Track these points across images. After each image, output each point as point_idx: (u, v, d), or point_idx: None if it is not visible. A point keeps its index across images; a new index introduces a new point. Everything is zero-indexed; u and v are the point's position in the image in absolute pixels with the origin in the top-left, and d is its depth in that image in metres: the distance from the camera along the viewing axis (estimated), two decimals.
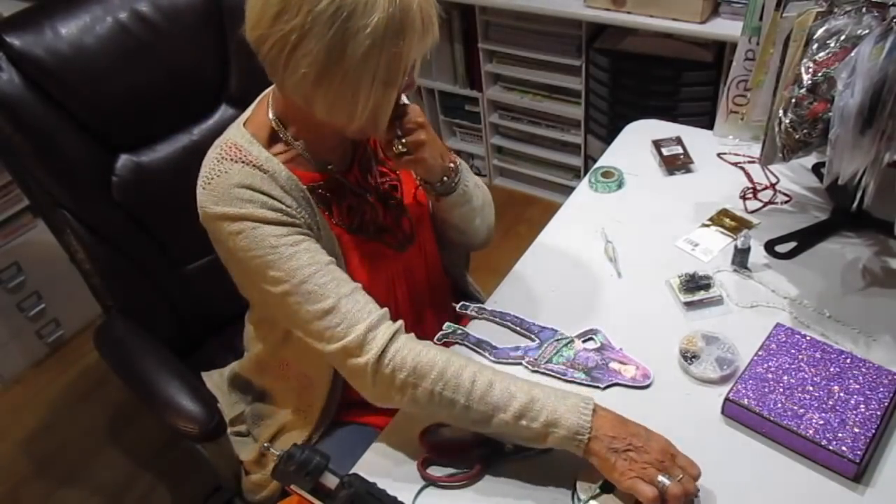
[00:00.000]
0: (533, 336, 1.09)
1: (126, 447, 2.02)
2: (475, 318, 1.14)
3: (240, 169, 0.91)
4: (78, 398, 2.18)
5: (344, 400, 1.16)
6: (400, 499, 0.85)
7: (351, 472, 0.88)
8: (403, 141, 0.96)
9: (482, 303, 1.18)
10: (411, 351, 0.88)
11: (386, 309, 0.92)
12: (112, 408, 2.13)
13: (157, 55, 1.23)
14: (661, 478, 0.81)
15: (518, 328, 1.11)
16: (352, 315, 0.89)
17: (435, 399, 0.87)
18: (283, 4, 0.80)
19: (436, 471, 0.92)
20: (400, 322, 0.91)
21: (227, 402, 1.22)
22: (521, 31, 2.36)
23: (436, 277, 1.17)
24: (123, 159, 1.24)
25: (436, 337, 1.10)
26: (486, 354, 1.07)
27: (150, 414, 1.14)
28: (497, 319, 1.13)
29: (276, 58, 0.84)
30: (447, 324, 1.12)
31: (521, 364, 1.05)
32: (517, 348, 1.07)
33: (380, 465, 0.95)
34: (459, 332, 1.11)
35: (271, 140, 0.97)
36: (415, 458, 0.94)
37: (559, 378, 1.02)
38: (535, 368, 1.04)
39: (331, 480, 0.81)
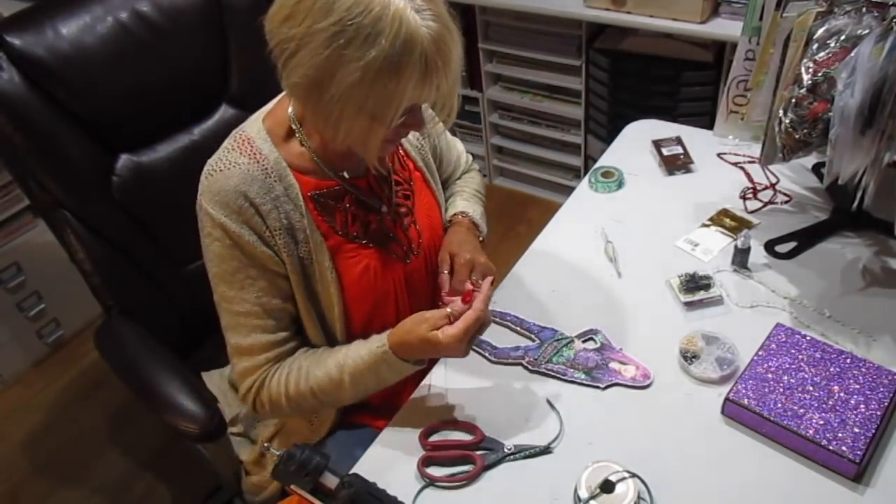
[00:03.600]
0: (533, 336, 1.09)
1: (126, 447, 2.02)
2: None
3: (245, 165, 0.94)
4: (78, 398, 2.18)
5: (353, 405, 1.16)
6: (400, 499, 0.85)
7: (351, 472, 0.88)
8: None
9: None
10: (266, 392, 1.00)
11: (265, 368, 1.01)
12: (112, 408, 2.13)
13: (158, 55, 1.23)
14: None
15: (518, 328, 1.11)
16: (251, 367, 1.00)
17: (301, 411, 1.05)
18: (291, 10, 0.81)
19: (436, 471, 0.92)
20: (263, 373, 1.00)
21: (228, 402, 1.22)
22: (521, 31, 2.36)
23: (431, 292, 1.16)
24: (124, 159, 1.24)
25: None
26: (487, 355, 1.07)
27: (151, 414, 1.14)
28: (497, 319, 1.13)
29: (277, 57, 0.86)
30: None
31: (521, 364, 1.05)
32: (517, 348, 1.07)
33: (380, 465, 0.95)
34: None
35: (287, 137, 0.99)
36: (415, 458, 0.94)
37: (559, 378, 1.02)
38: (536, 368, 1.04)
39: (331, 480, 0.81)
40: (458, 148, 1.29)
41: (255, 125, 0.98)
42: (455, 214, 1.18)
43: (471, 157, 1.33)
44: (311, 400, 0.99)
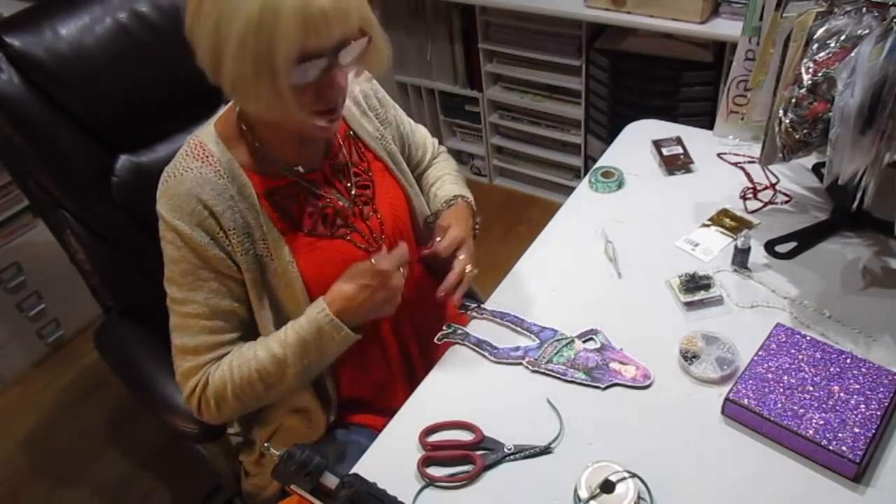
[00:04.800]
0: (533, 336, 1.09)
1: (126, 447, 2.02)
2: (475, 317, 1.14)
3: (198, 169, 0.96)
4: (78, 398, 2.19)
5: (344, 400, 1.16)
6: (400, 499, 0.85)
7: (351, 472, 0.88)
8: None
9: (482, 302, 1.18)
10: (211, 386, 0.99)
11: (208, 366, 1.00)
12: (112, 408, 2.13)
13: (157, 55, 1.23)
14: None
15: (518, 328, 1.11)
16: (194, 367, 1.00)
17: (246, 403, 1.00)
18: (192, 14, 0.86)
19: (436, 471, 0.92)
20: (206, 371, 1.00)
21: None
22: (521, 31, 2.36)
23: (413, 277, 1.17)
24: (123, 160, 1.24)
25: (436, 337, 1.10)
26: (487, 355, 1.07)
27: (150, 414, 1.14)
28: (497, 319, 1.13)
29: (190, 38, 0.88)
30: (447, 324, 1.12)
31: (521, 364, 1.05)
32: (518, 348, 1.07)
33: (380, 465, 0.95)
34: (460, 332, 1.11)
35: (238, 138, 1.00)
36: (415, 458, 0.94)
37: (560, 378, 1.02)
38: (536, 368, 1.04)
39: (331, 480, 0.81)
40: (421, 132, 1.31)
41: (206, 130, 1.00)
42: (455, 197, 1.21)
43: (437, 141, 1.35)
44: (258, 385, 0.98)
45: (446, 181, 1.27)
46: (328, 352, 0.99)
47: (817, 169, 1.33)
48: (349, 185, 1.08)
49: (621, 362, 1.03)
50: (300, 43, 0.82)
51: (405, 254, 1.00)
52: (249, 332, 1.04)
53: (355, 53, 0.88)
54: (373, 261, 0.97)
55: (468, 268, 1.09)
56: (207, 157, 0.97)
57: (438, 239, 1.09)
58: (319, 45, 0.84)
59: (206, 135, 0.99)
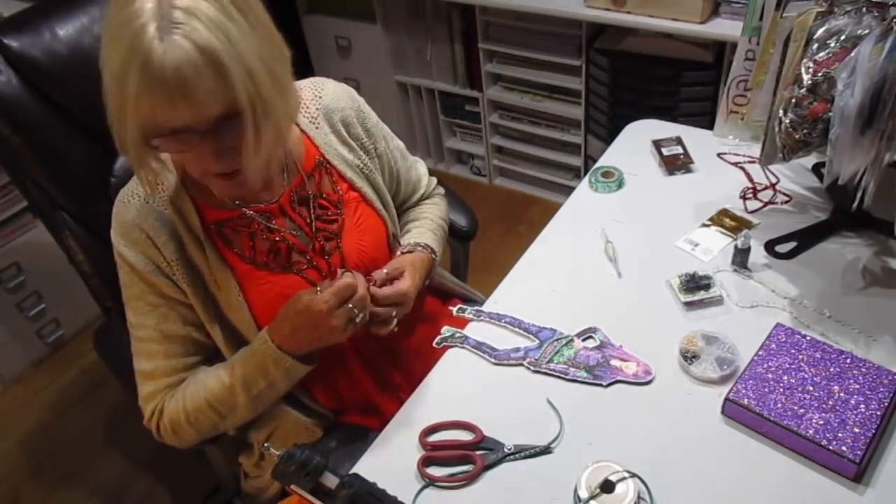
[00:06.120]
0: (532, 336, 1.09)
1: (126, 447, 2.02)
2: (473, 320, 1.14)
3: (145, 197, 0.97)
4: (78, 398, 2.19)
5: (343, 402, 1.16)
6: (400, 499, 0.85)
7: (351, 472, 0.88)
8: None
9: (481, 303, 1.18)
10: (166, 413, 1.00)
11: (165, 392, 1.01)
12: (112, 408, 2.13)
13: None
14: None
15: (516, 329, 1.11)
16: (153, 392, 1.01)
17: (202, 430, 1.01)
18: None
19: (436, 471, 0.92)
20: (162, 398, 1.01)
21: None
22: (521, 31, 2.36)
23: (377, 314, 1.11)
24: (122, 161, 1.24)
25: (434, 341, 1.10)
26: (487, 357, 1.07)
27: None
28: (494, 321, 1.13)
29: None
30: (445, 327, 1.11)
31: (522, 365, 1.05)
32: (518, 349, 1.07)
33: (380, 465, 0.95)
34: (458, 335, 1.11)
35: None
36: (415, 458, 0.94)
37: (561, 377, 1.02)
38: (537, 369, 1.04)
39: (331, 480, 0.81)
40: (418, 171, 1.27)
41: (163, 155, 0.96)
42: (426, 246, 1.16)
43: (434, 181, 1.31)
44: (209, 413, 0.99)
45: (424, 226, 1.21)
46: (276, 382, 0.98)
47: (817, 169, 1.33)
48: (312, 218, 1.05)
49: (622, 359, 1.03)
50: (144, 119, 0.78)
51: (350, 287, 0.93)
52: (215, 354, 1.04)
53: (224, 134, 0.81)
54: (315, 294, 0.93)
55: (394, 323, 1.03)
56: (158, 184, 0.96)
57: (385, 272, 1.03)
58: (165, 125, 0.78)
59: (162, 161, 0.96)
